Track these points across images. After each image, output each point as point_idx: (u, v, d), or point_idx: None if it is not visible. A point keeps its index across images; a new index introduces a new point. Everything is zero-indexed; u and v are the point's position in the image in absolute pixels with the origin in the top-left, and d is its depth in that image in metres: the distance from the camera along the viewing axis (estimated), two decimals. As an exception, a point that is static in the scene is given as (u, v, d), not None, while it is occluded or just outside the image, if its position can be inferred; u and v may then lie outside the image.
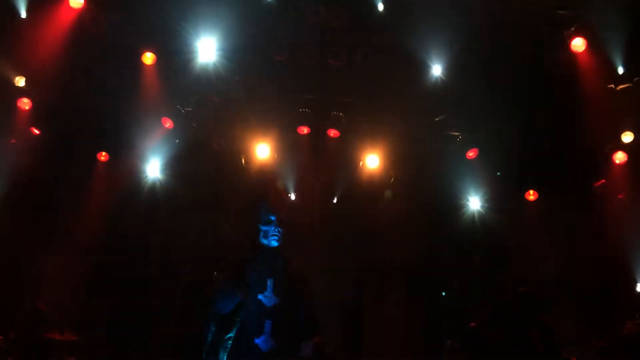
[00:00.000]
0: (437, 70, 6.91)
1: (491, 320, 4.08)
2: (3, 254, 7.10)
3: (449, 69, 6.92)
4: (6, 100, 7.43)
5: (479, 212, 8.35)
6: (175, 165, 8.16)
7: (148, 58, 7.01)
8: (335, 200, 8.46)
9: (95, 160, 8.34)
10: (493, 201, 8.22)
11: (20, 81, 7.40)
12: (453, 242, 8.82)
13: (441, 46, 6.74)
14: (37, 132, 7.93)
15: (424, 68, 6.95)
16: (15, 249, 7.38)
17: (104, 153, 8.29)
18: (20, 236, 7.43)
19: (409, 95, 7.36)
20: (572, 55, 6.62)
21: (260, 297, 3.29)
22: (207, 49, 6.83)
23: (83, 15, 6.50)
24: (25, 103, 7.54)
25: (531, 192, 8.24)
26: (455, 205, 8.45)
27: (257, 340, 3.20)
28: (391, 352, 8.33)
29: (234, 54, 6.97)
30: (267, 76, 7.21)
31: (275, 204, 3.50)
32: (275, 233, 3.41)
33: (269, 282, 3.32)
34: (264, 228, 3.44)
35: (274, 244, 3.42)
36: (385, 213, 8.77)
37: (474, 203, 8.26)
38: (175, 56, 7.04)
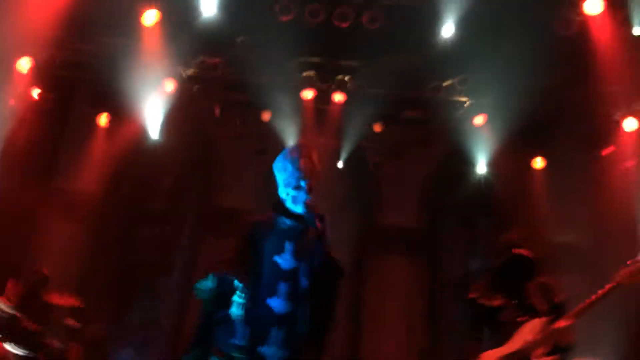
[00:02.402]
0: (446, 32, 6.71)
1: (490, 287, 4.01)
2: (5, 219, 7.06)
3: (458, 32, 6.73)
4: (5, 62, 7.29)
5: (484, 178, 8.26)
6: (176, 129, 8.07)
7: (148, 19, 6.83)
8: (340, 165, 8.33)
9: (96, 123, 8.22)
10: (499, 167, 8.12)
11: (19, 42, 7.23)
12: (457, 208, 8.80)
13: (450, 8, 6.53)
14: (36, 94, 7.80)
15: (433, 31, 6.76)
16: (17, 214, 7.34)
17: (104, 116, 8.15)
18: (22, 201, 7.38)
19: (417, 59, 7.19)
20: (585, 16, 6.40)
21: (276, 258, 3.17)
22: (209, 8, 6.65)
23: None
24: (24, 64, 7.39)
25: (538, 159, 8.13)
26: (460, 171, 8.37)
27: (269, 301, 3.09)
28: (390, 317, 8.38)
29: (237, 14, 6.78)
30: (271, 38, 7.04)
31: (308, 170, 3.35)
32: (304, 200, 3.23)
33: (288, 245, 3.21)
34: (292, 193, 3.31)
35: (301, 211, 3.24)
36: (390, 178, 8.71)
37: (480, 169, 8.13)
38: (176, 17, 6.86)
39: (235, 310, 3.15)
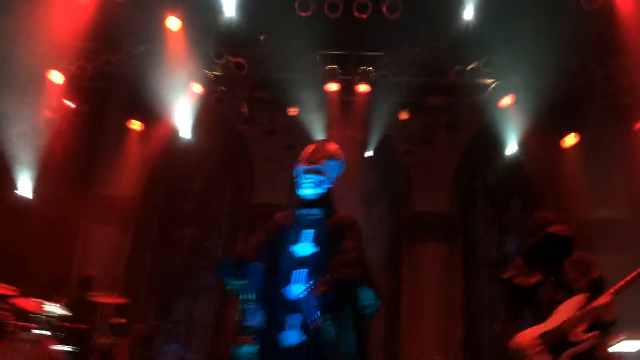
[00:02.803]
0: (466, 14, 6.68)
1: (526, 266, 3.97)
2: (50, 226, 7.33)
3: (479, 14, 6.69)
4: (39, 75, 7.54)
5: (515, 159, 8.18)
6: (206, 130, 8.22)
7: (173, 24, 6.99)
8: (369, 154, 8.36)
9: (129, 129, 8.44)
10: (530, 147, 8.03)
11: (51, 56, 7.48)
12: (489, 190, 8.74)
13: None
14: (70, 104, 8.05)
15: (453, 15, 6.74)
16: (60, 220, 7.61)
17: (136, 122, 8.36)
18: (63, 208, 7.64)
19: (439, 44, 7.17)
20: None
21: (292, 247, 3.22)
22: (229, 9, 6.76)
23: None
24: (57, 77, 7.63)
25: (569, 136, 8.00)
26: (490, 154, 8.31)
27: (285, 289, 3.12)
28: (427, 303, 8.39)
29: (257, 13, 6.88)
30: (292, 34, 7.11)
31: (306, 156, 3.41)
32: (303, 181, 3.30)
33: (305, 234, 3.24)
34: (295, 180, 3.40)
35: (303, 193, 3.31)
36: (420, 165, 8.70)
37: (510, 150, 8.06)
38: (199, 20, 7.00)
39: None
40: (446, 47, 7.23)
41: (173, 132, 8.11)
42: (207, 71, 7.74)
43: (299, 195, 3.36)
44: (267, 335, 3.08)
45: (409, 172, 9.03)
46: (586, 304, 3.59)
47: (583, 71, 7.40)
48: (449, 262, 8.74)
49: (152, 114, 8.05)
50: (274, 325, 3.10)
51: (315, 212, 3.32)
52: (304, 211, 3.34)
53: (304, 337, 3.05)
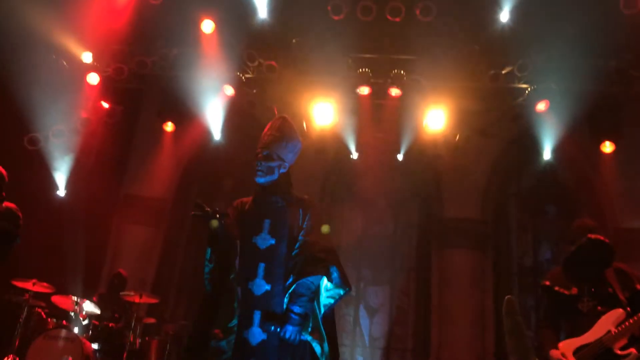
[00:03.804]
0: (503, 17, 6.57)
1: (565, 274, 3.87)
2: (83, 225, 7.46)
3: (514, 17, 6.58)
4: (76, 76, 7.70)
5: (550, 165, 8.01)
6: (238, 132, 8.26)
7: (207, 26, 7.06)
8: (400, 158, 8.29)
9: (162, 130, 8.54)
10: (565, 154, 7.86)
11: (88, 57, 7.63)
12: (523, 197, 8.57)
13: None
14: (106, 105, 8.18)
15: (488, 17, 6.64)
16: (94, 220, 7.73)
17: (169, 123, 8.45)
18: (97, 208, 7.77)
19: (473, 47, 7.07)
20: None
21: (254, 239, 3.14)
22: (262, 12, 6.80)
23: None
24: (93, 78, 7.78)
25: (607, 143, 7.79)
26: (525, 159, 8.15)
27: (249, 284, 3.05)
28: (458, 311, 8.25)
29: (290, 16, 6.89)
30: (324, 37, 7.11)
31: (262, 141, 3.29)
32: (258, 168, 3.22)
33: (265, 223, 3.17)
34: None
35: (256, 179, 3.24)
36: (452, 169, 8.58)
37: (546, 156, 7.88)
38: (232, 23, 7.05)
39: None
40: (481, 51, 7.12)
41: (205, 135, 8.17)
42: (239, 73, 7.80)
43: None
44: (236, 331, 3.01)
45: (440, 178, 8.91)
46: (626, 319, 3.48)
47: (621, 76, 7.22)
48: (480, 269, 8.59)
49: (184, 115, 8.13)
50: (241, 321, 3.03)
51: (274, 199, 3.25)
52: (262, 198, 3.27)
53: (272, 335, 2.97)
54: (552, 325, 3.83)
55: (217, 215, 3.07)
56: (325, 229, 3.28)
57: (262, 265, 3.08)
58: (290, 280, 3.06)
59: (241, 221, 3.24)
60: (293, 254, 3.12)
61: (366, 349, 8.66)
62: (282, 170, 3.29)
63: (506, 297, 3.18)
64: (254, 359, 2.97)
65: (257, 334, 3.00)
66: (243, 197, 3.42)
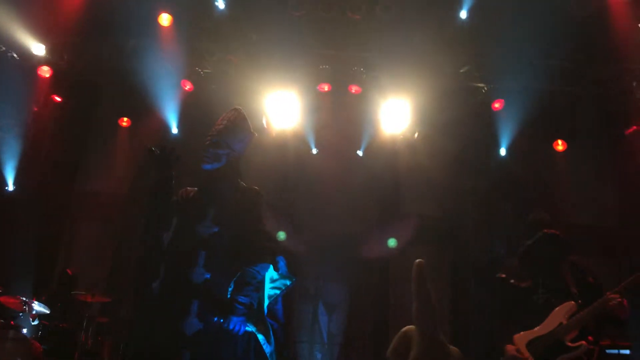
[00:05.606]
0: (462, 15, 6.67)
1: (520, 267, 3.95)
2: (33, 221, 7.21)
3: (473, 16, 6.69)
4: (27, 69, 7.42)
5: (505, 163, 8.19)
6: (196, 127, 8.13)
7: (165, 19, 6.92)
8: (360, 154, 8.30)
9: (118, 125, 8.33)
10: (520, 151, 8.05)
11: (39, 49, 7.36)
12: (479, 193, 8.71)
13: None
14: (58, 99, 7.92)
15: (447, 16, 6.73)
16: (44, 216, 7.49)
17: (125, 118, 8.25)
18: (48, 203, 7.52)
19: (432, 46, 7.16)
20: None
21: (196, 227, 3.08)
22: (221, 4, 6.70)
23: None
24: (45, 71, 7.52)
25: (559, 141, 8.04)
26: (481, 158, 8.30)
27: (189, 272, 2.98)
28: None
29: (250, 11, 6.82)
30: (284, 33, 7.06)
31: (213, 130, 3.29)
32: (204, 155, 3.21)
33: (209, 210, 3.13)
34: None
35: (203, 166, 3.21)
36: (411, 166, 8.67)
37: (501, 154, 8.06)
38: (191, 17, 6.92)
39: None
40: (440, 49, 7.20)
41: (163, 129, 8.01)
42: (198, 68, 7.67)
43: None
44: (171, 320, 2.92)
45: (398, 174, 8.99)
46: (577, 311, 3.57)
47: (574, 76, 7.45)
48: (439, 264, 8.71)
49: (141, 109, 7.94)
50: (178, 310, 2.94)
51: (220, 187, 3.21)
52: (208, 186, 3.24)
53: (210, 325, 2.90)
54: (507, 318, 3.91)
55: (172, 157, 3.13)
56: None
57: (202, 254, 3.00)
58: (235, 268, 3.00)
59: (184, 209, 3.17)
60: (238, 242, 3.06)
61: (325, 346, 8.65)
62: (229, 159, 3.24)
63: (416, 261, 3.14)
64: (185, 350, 2.86)
65: (194, 324, 2.91)
66: (190, 187, 3.35)
